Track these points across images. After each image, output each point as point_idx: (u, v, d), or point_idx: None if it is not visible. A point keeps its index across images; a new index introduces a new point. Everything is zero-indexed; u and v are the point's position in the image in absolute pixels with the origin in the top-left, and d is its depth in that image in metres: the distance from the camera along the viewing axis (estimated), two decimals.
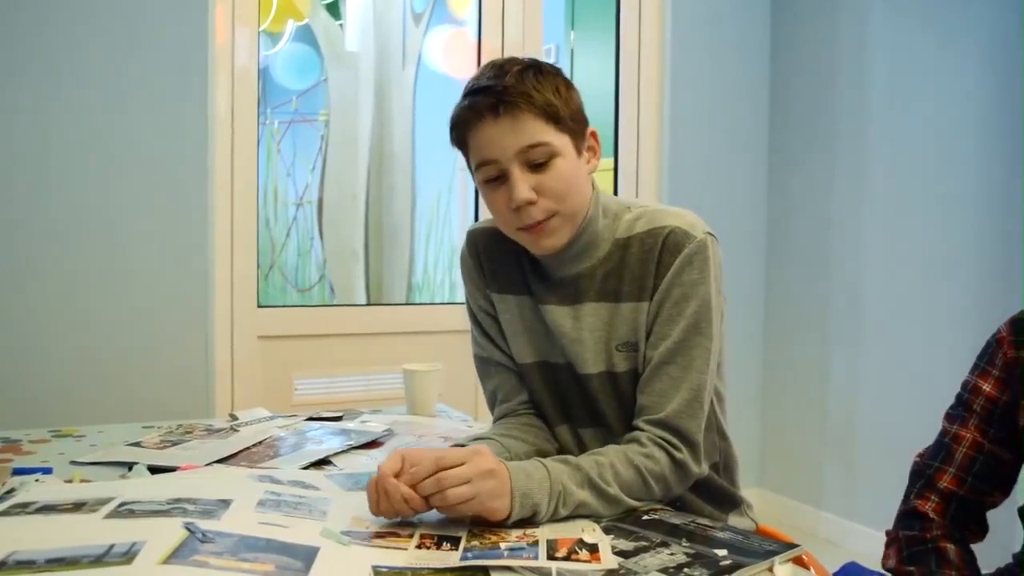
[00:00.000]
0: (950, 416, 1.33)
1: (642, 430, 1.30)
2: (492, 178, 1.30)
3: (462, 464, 1.10)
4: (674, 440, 1.28)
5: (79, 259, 2.54)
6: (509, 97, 1.26)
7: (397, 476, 1.10)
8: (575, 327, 1.38)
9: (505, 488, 1.12)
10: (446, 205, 3.36)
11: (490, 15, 3.24)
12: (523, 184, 1.27)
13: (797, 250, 3.58)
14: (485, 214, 3.20)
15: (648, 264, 1.33)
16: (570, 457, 1.24)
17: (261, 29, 2.92)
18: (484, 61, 3.21)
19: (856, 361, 3.33)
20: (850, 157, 3.35)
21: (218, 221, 2.75)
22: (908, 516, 1.30)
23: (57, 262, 2.51)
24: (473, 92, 1.30)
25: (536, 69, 1.30)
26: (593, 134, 1.37)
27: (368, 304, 3.27)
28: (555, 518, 1.16)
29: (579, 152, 1.33)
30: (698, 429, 1.30)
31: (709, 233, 1.34)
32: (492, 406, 1.52)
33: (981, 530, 1.31)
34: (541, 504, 1.14)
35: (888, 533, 1.32)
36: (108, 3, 2.53)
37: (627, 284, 1.35)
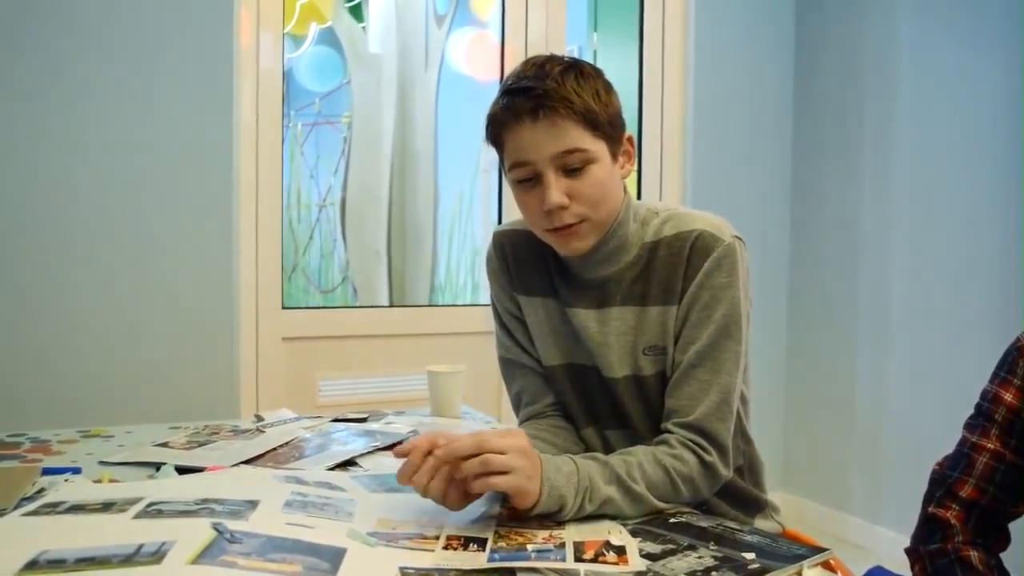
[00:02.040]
0: (970, 426, 1.31)
1: (671, 432, 1.30)
2: (526, 179, 1.30)
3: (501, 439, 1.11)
4: (703, 443, 1.28)
5: (106, 262, 2.56)
6: (550, 101, 1.24)
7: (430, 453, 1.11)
8: (601, 331, 1.38)
9: (537, 473, 1.12)
10: (469, 206, 3.36)
11: (513, 16, 3.24)
12: (557, 189, 1.27)
13: (822, 251, 3.56)
14: (509, 215, 3.21)
15: (676, 268, 1.33)
16: (599, 455, 1.24)
17: (285, 32, 2.93)
18: (507, 63, 3.23)
19: (882, 363, 3.31)
20: (875, 157, 3.32)
21: (243, 223, 2.77)
22: (928, 523, 1.29)
23: (84, 265, 2.53)
24: (513, 92, 1.28)
25: (578, 71, 1.29)
26: (630, 139, 1.37)
27: (391, 305, 3.28)
28: (580, 514, 1.15)
29: (615, 157, 1.33)
30: (727, 432, 1.30)
31: (736, 237, 1.34)
32: (517, 408, 1.52)
33: (1004, 539, 1.29)
34: (568, 497, 1.14)
35: (909, 552, 1.30)
36: (134, 8, 2.55)
37: (655, 288, 1.35)
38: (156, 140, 2.60)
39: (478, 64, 3.34)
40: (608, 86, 1.33)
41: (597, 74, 1.33)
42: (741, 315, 1.32)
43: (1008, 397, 1.26)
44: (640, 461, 1.23)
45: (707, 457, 1.28)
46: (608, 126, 1.30)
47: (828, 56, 3.52)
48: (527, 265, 1.46)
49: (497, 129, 1.31)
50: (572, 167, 1.27)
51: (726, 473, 1.31)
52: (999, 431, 1.26)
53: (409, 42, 3.29)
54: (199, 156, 2.65)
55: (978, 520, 1.26)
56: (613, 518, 1.17)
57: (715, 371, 1.30)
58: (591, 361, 1.40)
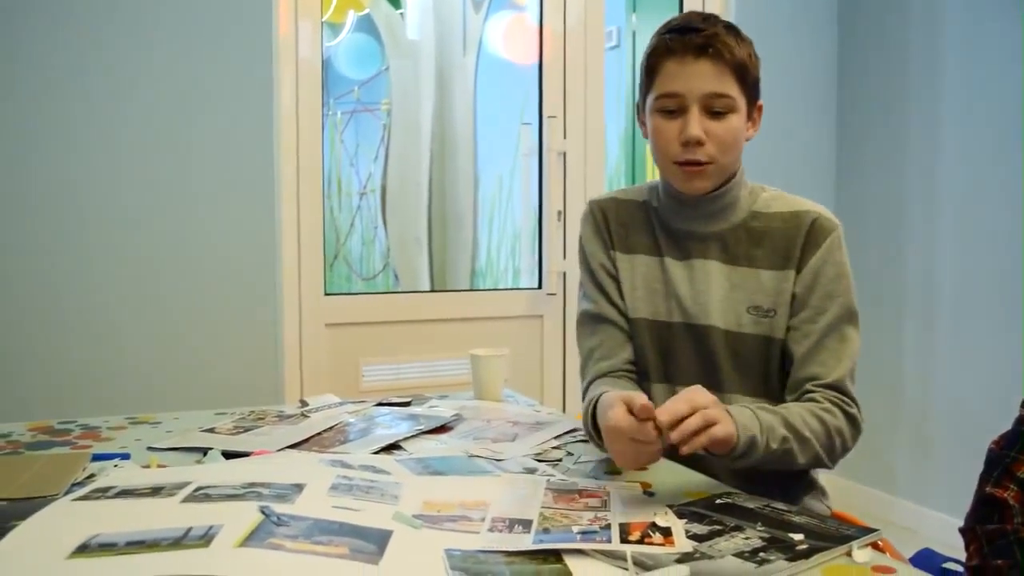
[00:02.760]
0: None
1: (815, 391, 1.38)
2: (670, 109, 1.38)
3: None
4: (845, 399, 1.38)
5: (152, 251, 2.59)
6: (716, 44, 1.35)
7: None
8: (703, 281, 1.45)
9: (728, 418, 1.20)
10: (508, 190, 3.35)
11: None
12: (698, 124, 1.36)
13: (868, 232, 3.50)
14: (550, 199, 3.19)
15: (795, 238, 1.42)
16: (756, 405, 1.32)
17: (323, 20, 2.94)
18: (545, 46, 3.20)
19: (930, 345, 3.26)
20: (922, 136, 3.26)
21: (285, 211, 2.79)
22: (985, 504, 1.26)
23: (130, 254, 2.57)
24: (681, 29, 1.38)
25: (737, 31, 1.41)
26: (760, 108, 1.46)
27: (432, 290, 3.28)
28: (767, 455, 1.25)
29: (749, 116, 1.43)
30: (856, 395, 1.40)
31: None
32: (587, 364, 1.54)
33: None
34: (757, 436, 1.23)
35: (964, 532, 1.27)
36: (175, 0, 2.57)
37: (767, 252, 1.43)
38: (198, 131, 2.63)
39: (516, 48, 3.32)
40: (757, 55, 1.43)
41: (750, 41, 1.43)
42: (853, 293, 1.43)
43: None
44: (799, 412, 1.32)
45: (850, 410, 1.37)
46: (753, 85, 1.41)
47: (873, 33, 3.46)
48: (629, 225, 1.54)
49: (657, 58, 1.39)
50: (716, 109, 1.37)
51: (863, 426, 1.40)
52: None
53: (447, 27, 3.28)
54: (241, 146, 2.68)
55: None
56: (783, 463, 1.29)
57: (843, 341, 1.40)
58: (682, 314, 1.46)
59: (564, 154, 3.20)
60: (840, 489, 3.56)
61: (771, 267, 1.42)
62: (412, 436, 1.51)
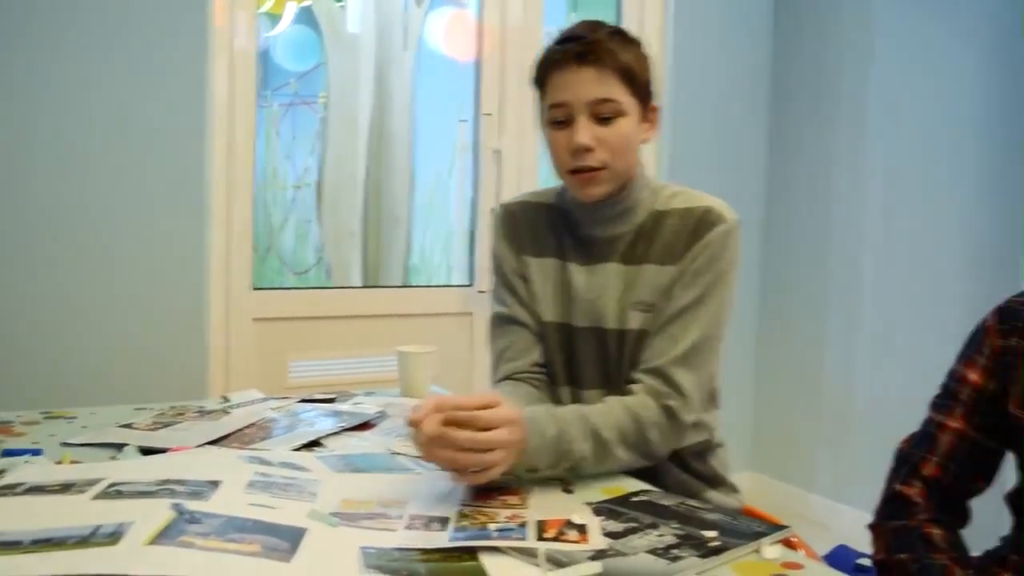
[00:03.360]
0: (936, 404, 1.32)
1: (635, 381, 1.39)
2: (559, 120, 1.41)
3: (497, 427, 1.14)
4: (664, 388, 1.36)
5: (75, 241, 2.53)
6: (597, 50, 1.37)
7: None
8: (600, 284, 1.46)
9: (512, 459, 1.18)
10: (445, 188, 3.34)
11: None
12: (586, 131, 1.38)
13: (794, 234, 3.58)
14: (485, 197, 3.19)
15: (681, 234, 1.43)
16: (578, 407, 1.33)
17: (263, 11, 2.90)
18: (484, 43, 3.21)
19: (850, 346, 3.34)
20: (849, 141, 3.34)
21: (215, 204, 2.74)
22: (892, 501, 1.29)
23: (52, 245, 2.51)
24: (565, 39, 1.41)
25: (623, 34, 1.43)
26: (655, 109, 1.48)
27: (364, 286, 3.26)
28: (564, 471, 1.25)
29: (641, 119, 1.44)
30: (690, 383, 1.37)
31: (738, 220, 1.46)
32: (496, 365, 1.55)
33: (964, 518, 1.30)
34: (542, 471, 1.23)
35: (872, 528, 1.31)
36: None
37: (656, 249, 1.44)
38: (126, 120, 2.57)
39: (456, 44, 3.31)
40: (647, 55, 1.45)
41: (639, 43, 1.45)
42: (726, 286, 1.42)
43: (973, 376, 1.27)
44: (614, 413, 1.31)
45: (668, 402, 1.35)
46: (643, 88, 1.43)
47: (806, 42, 3.53)
48: (538, 229, 1.55)
49: (545, 69, 1.43)
50: (604, 115, 1.39)
51: (687, 418, 1.37)
52: (964, 410, 1.27)
53: (387, 22, 3.26)
54: (171, 136, 2.63)
55: (940, 498, 1.27)
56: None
57: (686, 328, 1.39)
58: (586, 318, 1.47)
59: (499, 152, 3.20)
60: (760, 485, 3.64)
61: (659, 263, 1.44)
62: (335, 433, 1.50)
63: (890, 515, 1.28)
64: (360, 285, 3.26)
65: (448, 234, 3.35)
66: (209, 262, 2.72)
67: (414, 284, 3.34)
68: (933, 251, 3.01)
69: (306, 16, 3.14)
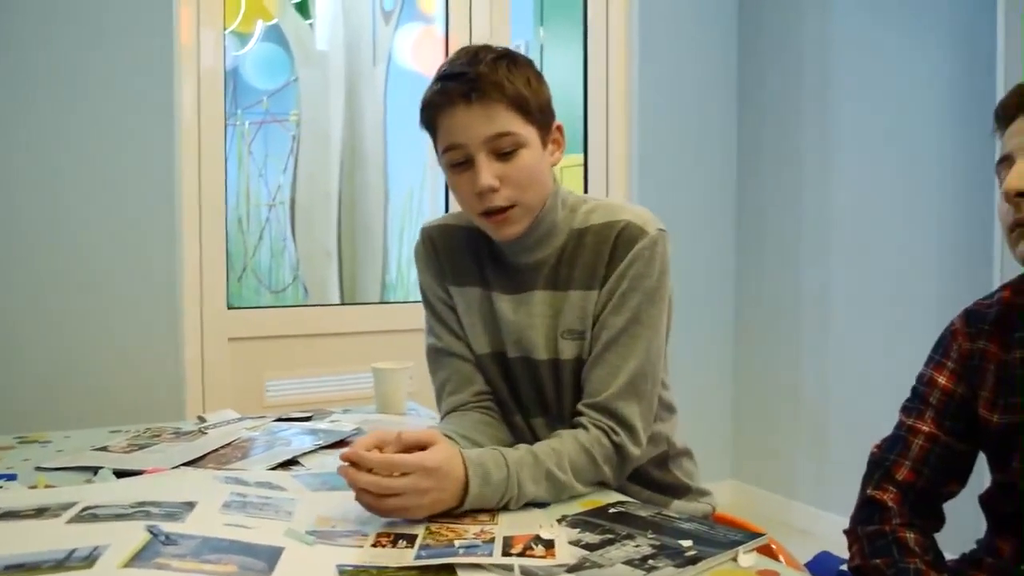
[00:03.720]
0: (907, 409, 1.33)
1: (583, 414, 1.34)
2: (458, 162, 1.32)
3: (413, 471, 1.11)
4: (611, 423, 1.32)
5: (45, 263, 2.51)
6: (482, 86, 1.28)
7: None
8: (526, 314, 1.41)
9: (454, 499, 1.15)
10: (419, 202, 3.35)
11: (457, 11, 3.24)
12: (488, 171, 1.30)
13: (767, 242, 3.60)
14: (455, 211, 3.19)
15: (601, 255, 1.37)
16: (531, 450, 1.26)
17: (230, 30, 2.90)
18: None
19: (826, 353, 3.36)
20: (817, 148, 3.37)
21: (186, 224, 2.74)
22: (867, 506, 1.31)
23: (22, 266, 2.49)
24: (446, 77, 1.31)
25: (510, 59, 1.32)
26: (559, 128, 1.40)
27: (340, 304, 3.26)
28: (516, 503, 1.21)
29: (544, 144, 1.36)
30: (635, 414, 1.34)
31: (661, 229, 1.37)
32: (440, 398, 1.52)
33: (938, 521, 1.31)
34: (492, 506, 1.18)
35: (848, 533, 1.32)
36: (70, 3, 2.50)
37: (578, 272, 1.38)
38: (93, 140, 2.56)
39: (426, 59, 3.33)
40: (539, 75, 1.36)
41: (528, 63, 1.36)
42: (656, 304, 1.36)
43: (942, 380, 1.29)
44: (568, 451, 1.27)
45: (615, 438, 1.32)
46: (539, 113, 1.34)
47: (770, 48, 3.56)
48: (458, 255, 1.49)
49: (431, 113, 1.34)
50: (503, 151, 1.30)
51: (636, 452, 1.34)
52: (934, 414, 1.29)
53: (356, 38, 3.27)
54: (139, 157, 2.62)
55: (914, 502, 1.28)
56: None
57: (624, 356, 1.34)
58: (517, 348, 1.43)
59: None
60: (740, 493, 3.65)
61: (580, 287, 1.38)
62: (311, 451, 1.50)
63: (865, 520, 1.30)
64: (338, 303, 3.25)
65: None
66: (183, 282, 2.71)
67: (391, 300, 3.34)
68: (905, 257, 3.04)
69: (274, 34, 3.15)
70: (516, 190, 1.32)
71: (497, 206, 1.32)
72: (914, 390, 1.34)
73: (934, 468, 1.28)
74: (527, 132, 1.32)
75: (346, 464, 1.12)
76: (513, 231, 1.36)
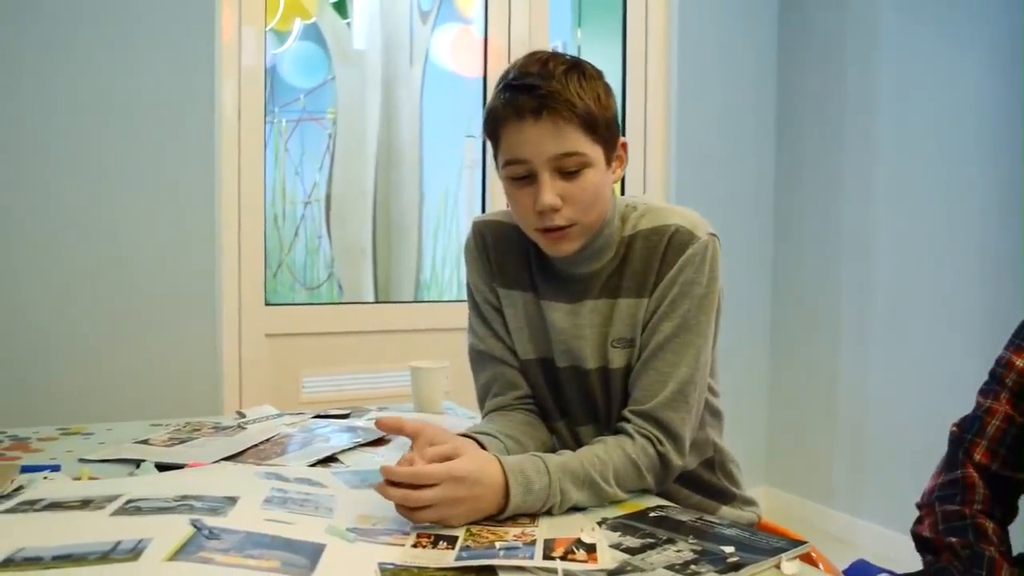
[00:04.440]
0: (983, 391, 1.34)
1: (628, 421, 1.33)
2: (520, 176, 1.29)
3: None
4: (657, 433, 1.31)
5: (88, 259, 2.54)
6: (553, 103, 1.23)
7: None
8: (575, 324, 1.39)
9: (493, 506, 1.14)
10: (454, 202, 3.36)
11: (496, 12, 3.23)
12: (550, 190, 1.26)
13: (805, 247, 3.57)
14: (492, 210, 3.19)
15: (652, 261, 1.34)
16: (574, 457, 1.24)
17: (268, 28, 2.92)
18: (490, 59, 3.22)
19: (865, 359, 3.32)
20: (858, 153, 3.34)
21: (225, 220, 2.76)
22: (950, 485, 1.30)
23: (66, 262, 2.52)
24: (516, 88, 1.27)
25: (580, 72, 1.27)
26: (623, 145, 1.37)
27: (376, 302, 3.27)
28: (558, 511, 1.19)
29: (608, 163, 1.33)
30: (681, 423, 1.32)
31: (712, 234, 1.35)
32: (483, 399, 1.50)
33: (1013, 513, 1.31)
34: (535, 511, 1.18)
35: (922, 507, 1.32)
36: (113, 4, 2.53)
37: (628, 280, 1.36)
38: (137, 138, 2.58)
39: (463, 60, 3.33)
40: (608, 89, 1.32)
41: (599, 76, 1.31)
42: (706, 311, 1.33)
43: (1020, 362, 1.30)
44: (613, 460, 1.26)
45: (660, 447, 1.30)
46: (606, 130, 1.29)
47: (810, 51, 3.54)
48: (507, 257, 1.46)
49: (496, 124, 1.30)
50: (568, 170, 1.27)
51: (680, 463, 1.32)
52: (1009, 395, 1.30)
53: (393, 38, 3.28)
54: (180, 154, 2.64)
55: (993, 487, 1.28)
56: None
57: (673, 363, 1.32)
58: (566, 357, 1.41)
59: None
60: (776, 500, 3.62)
61: (631, 295, 1.35)
62: (350, 449, 1.50)
63: (946, 499, 1.29)
64: (372, 300, 3.27)
65: (458, 249, 3.36)
66: (221, 278, 2.73)
67: (425, 299, 3.35)
68: (945, 262, 3.00)
69: (312, 33, 3.17)
70: (577, 210, 1.29)
71: (556, 225, 1.28)
72: (992, 372, 1.35)
73: (1010, 448, 1.29)
74: (593, 152, 1.28)
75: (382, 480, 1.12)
76: (569, 248, 1.33)
